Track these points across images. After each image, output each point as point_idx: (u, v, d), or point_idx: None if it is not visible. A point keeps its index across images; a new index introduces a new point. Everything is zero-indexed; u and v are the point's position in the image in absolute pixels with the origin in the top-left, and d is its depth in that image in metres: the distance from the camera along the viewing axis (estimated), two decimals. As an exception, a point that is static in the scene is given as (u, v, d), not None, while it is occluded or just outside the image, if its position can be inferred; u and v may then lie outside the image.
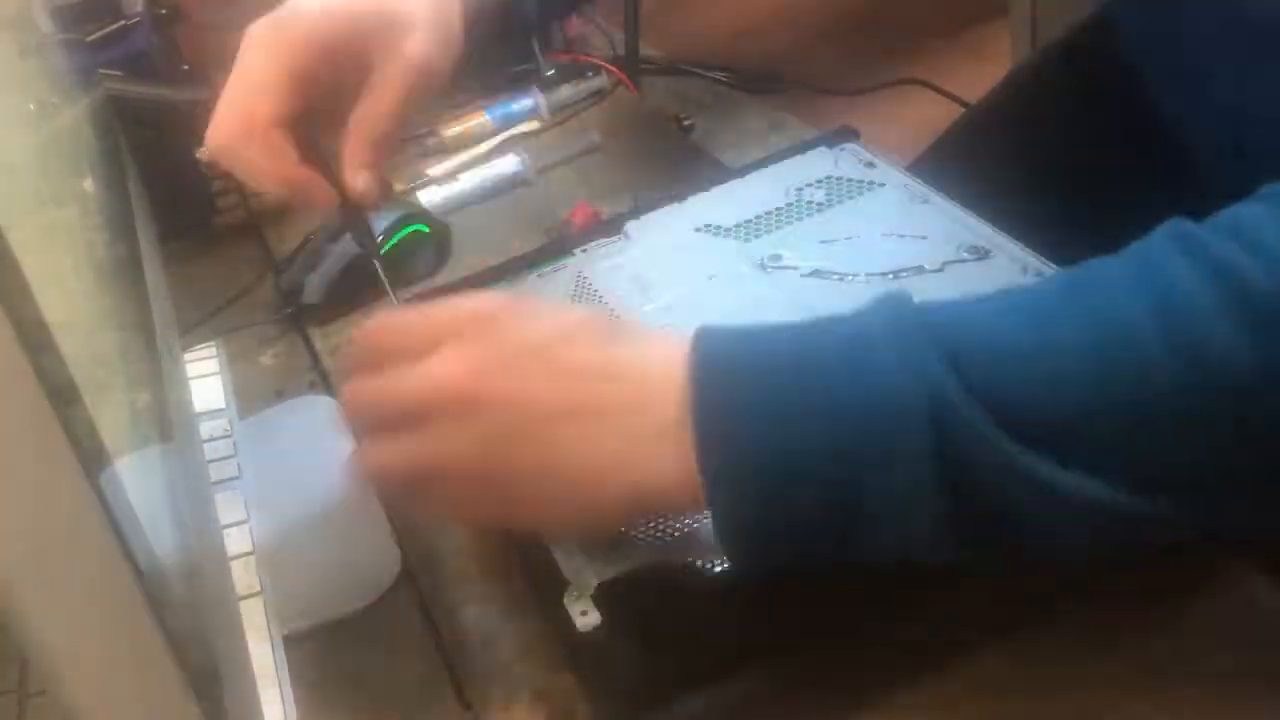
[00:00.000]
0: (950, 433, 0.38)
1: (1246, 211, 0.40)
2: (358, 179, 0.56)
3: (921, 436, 0.38)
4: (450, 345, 0.44)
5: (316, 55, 0.55)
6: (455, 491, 0.45)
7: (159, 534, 0.35)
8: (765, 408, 0.40)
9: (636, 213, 0.69)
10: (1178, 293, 0.38)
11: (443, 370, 0.44)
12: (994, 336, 0.40)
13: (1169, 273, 0.39)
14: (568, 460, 0.43)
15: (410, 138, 0.96)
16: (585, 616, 0.46)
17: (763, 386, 0.41)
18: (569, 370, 0.44)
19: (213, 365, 0.72)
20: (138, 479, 0.35)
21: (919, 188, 0.66)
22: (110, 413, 0.36)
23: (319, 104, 0.55)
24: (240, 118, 0.54)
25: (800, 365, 0.41)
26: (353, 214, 0.58)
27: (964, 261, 0.59)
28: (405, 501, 0.53)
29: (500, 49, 1.02)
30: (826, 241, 0.63)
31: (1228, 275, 0.38)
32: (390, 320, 0.48)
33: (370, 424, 0.47)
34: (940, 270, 0.59)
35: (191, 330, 0.77)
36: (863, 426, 0.39)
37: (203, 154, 0.87)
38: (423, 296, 0.66)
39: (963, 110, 0.91)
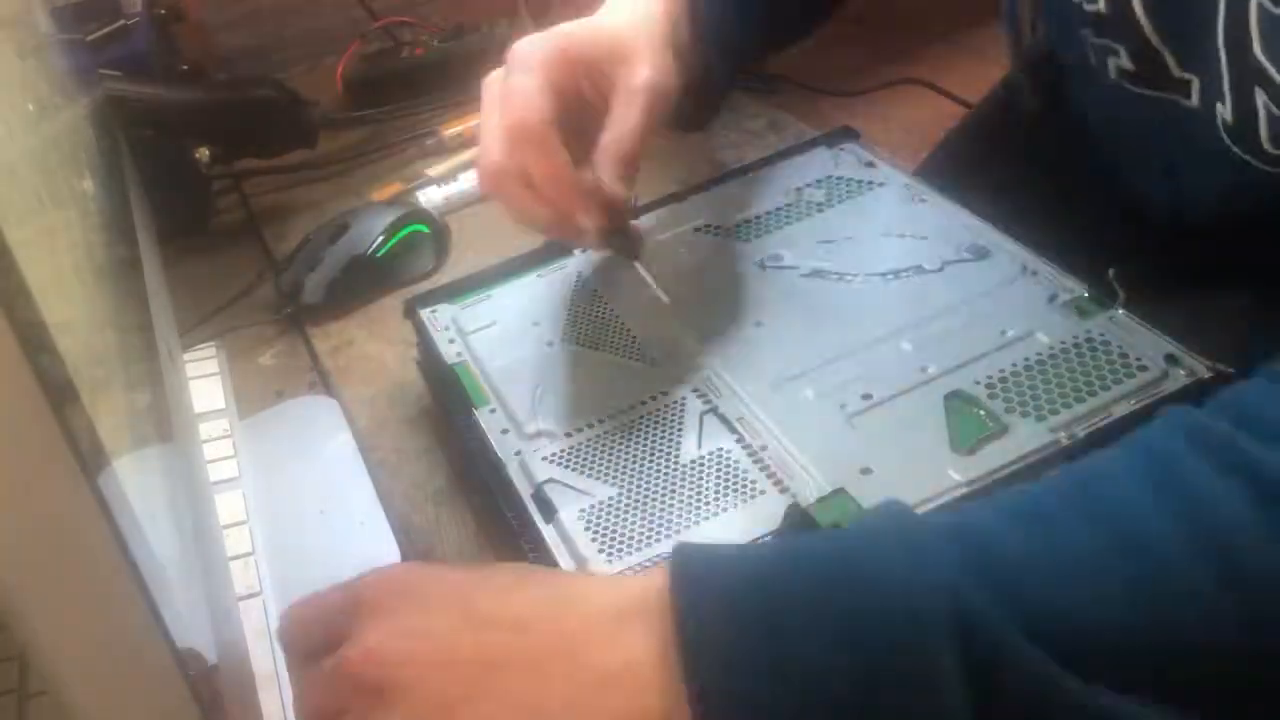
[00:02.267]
0: (976, 643, 0.34)
1: (1251, 395, 0.39)
2: (617, 187, 0.54)
3: (946, 648, 0.34)
4: (355, 633, 0.39)
5: (572, 71, 0.55)
6: None
7: (159, 534, 0.35)
8: (763, 621, 0.36)
9: (636, 213, 0.69)
10: (1199, 497, 0.36)
11: (349, 663, 0.39)
12: (1003, 546, 0.37)
13: (1184, 472, 0.37)
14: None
15: (410, 138, 0.96)
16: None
17: (758, 598, 0.36)
18: (488, 622, 0.39)
19: (213, 365, 0.72)
20: (138, 479, 0.35)
21: (918, 187, 0.66)
22: (110, 413, 0.36)
23: (568, 122, 0.54)
24: (517, 124, 0.52)
25: (798, 575, 0.37)
26: (616, 224, 0.57)
27: (964, 261, 0.59)
28: None
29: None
30: (826, 241, 0.63)
31: (1248, 473, 0.36)
32: (299, 614, 0.43)
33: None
34: (940, 270, 0.59)
35: (191, 330, 0.77)
36: (877, 639, 0.34)
37: (202, 156, 0.87)
38: (422, 297, 0.66)
39: (963, 110, 0.91)
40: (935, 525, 0.38)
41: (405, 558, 0.58)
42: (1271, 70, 0.47)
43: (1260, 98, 0.49)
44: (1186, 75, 0.54)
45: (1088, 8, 0.56)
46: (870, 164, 0.69)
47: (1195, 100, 0.54)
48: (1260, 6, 0.46)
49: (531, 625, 0.39)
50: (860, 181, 0.68)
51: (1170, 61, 0.54)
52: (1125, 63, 0.57)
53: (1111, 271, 0.55)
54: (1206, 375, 0.50)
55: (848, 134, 0.72)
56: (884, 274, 0.60)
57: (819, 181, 0.68)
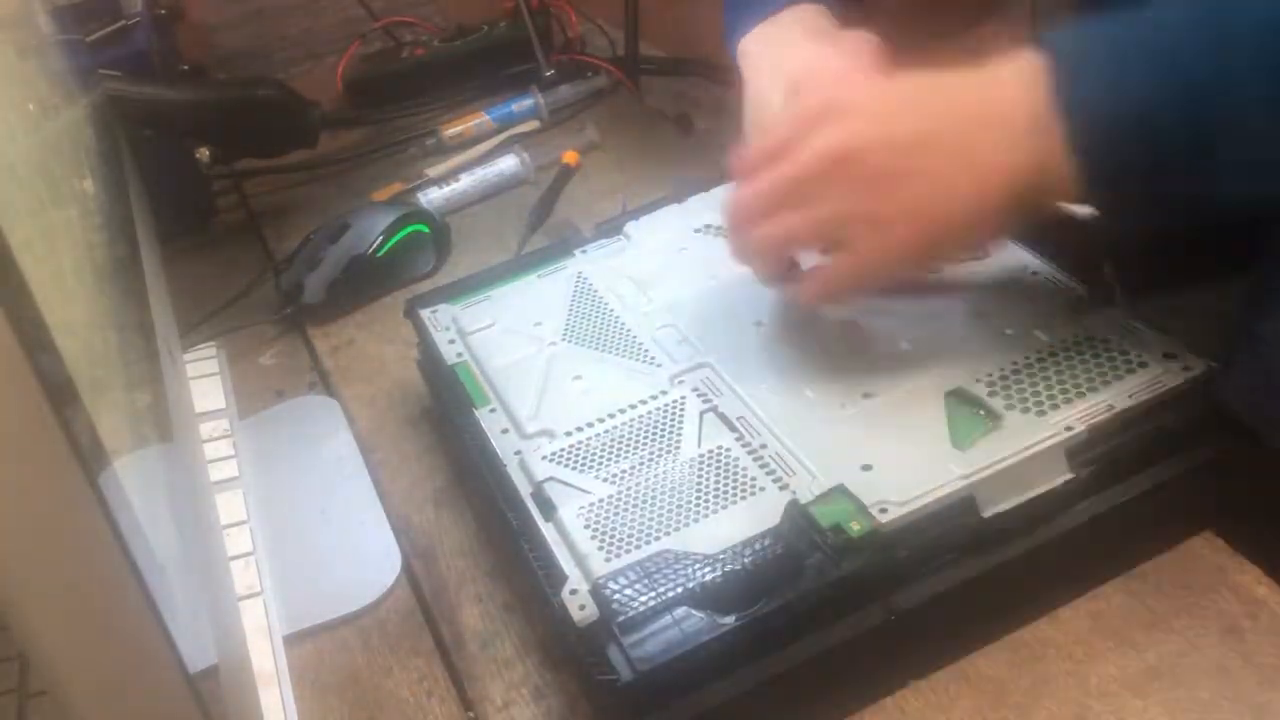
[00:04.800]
0: None
1: None
2: None
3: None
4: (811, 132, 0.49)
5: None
6: (853, 249, 0.50)
7: (159, 534, 0.35)
8: (1119, 48, 0.45)
9: (636, 213, 0.69)
10: None
11: (818, 143, 0.49)
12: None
13: None
14: (947, 178, 0.47)
15: (410, 138, 0.96)
16: (583, 611, 0.46)
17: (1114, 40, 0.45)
18: (919, 110, 0.49)
19: (213, 365, 0.72)
20: (138, 479, 0.35)
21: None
22: (110, 413, 0.36)
23: None
24: None
25: (1143, 20, 0.45)
26: None
27: (964, 260, 0.59)
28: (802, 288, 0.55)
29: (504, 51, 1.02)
30: (826, 241, 0.63)
31: None
32: (758, 146, 0.52)
33: (757, 215, 0.52)
34: (940, 269, 0.59)
35: (191, 330, 0.78)
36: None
37: (202, 156, 0.87)
38: (422, 297, 0.66)
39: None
40: None
41: (405, 558, 0.59)
42: None
43: None
44: None
45: None
46: (870, 163, 0.69)
47: None
48: None
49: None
50: (860, 181, 0.68)
51: None
52: None
53: (1110, 270, 0.55)
54: (1205, 373, 0.50)
55: (847, 133, 0.72)
56: (884, 273, 0.60)
57: (819, 181, 0.68)
